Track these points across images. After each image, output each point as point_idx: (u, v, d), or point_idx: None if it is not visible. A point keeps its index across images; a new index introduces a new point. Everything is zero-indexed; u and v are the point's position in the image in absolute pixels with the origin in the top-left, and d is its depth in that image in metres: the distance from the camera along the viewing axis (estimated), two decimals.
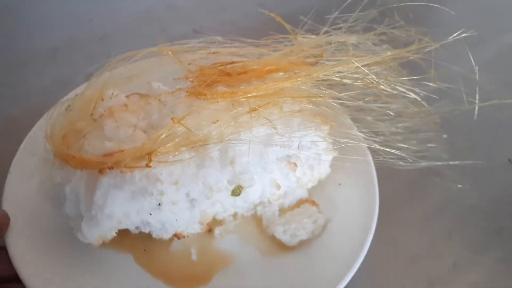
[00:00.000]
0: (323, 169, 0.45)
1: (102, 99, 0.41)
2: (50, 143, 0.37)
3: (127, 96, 0.42)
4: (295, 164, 0.41)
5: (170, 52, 0.42)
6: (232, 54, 0.45)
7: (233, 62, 0.43)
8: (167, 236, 0.41)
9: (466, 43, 0.45)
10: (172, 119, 0.35)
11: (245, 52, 0.46)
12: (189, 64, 0.42)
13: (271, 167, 0.40)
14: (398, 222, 0.48)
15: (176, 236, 0.42)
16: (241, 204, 0.42)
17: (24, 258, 0.39)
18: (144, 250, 0.42)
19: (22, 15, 0.73)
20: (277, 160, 0.40)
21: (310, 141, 0.41)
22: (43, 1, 0.75)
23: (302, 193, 0.46)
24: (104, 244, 0.40)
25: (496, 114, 0.58)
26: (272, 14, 0.48)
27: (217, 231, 0.44)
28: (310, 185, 0.45)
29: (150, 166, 0.34)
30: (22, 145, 0.46)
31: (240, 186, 0.39)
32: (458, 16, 0.50)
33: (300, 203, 0.46)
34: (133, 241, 0.42)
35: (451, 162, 0.49)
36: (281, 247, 0.43)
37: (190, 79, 0.41)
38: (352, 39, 0.48)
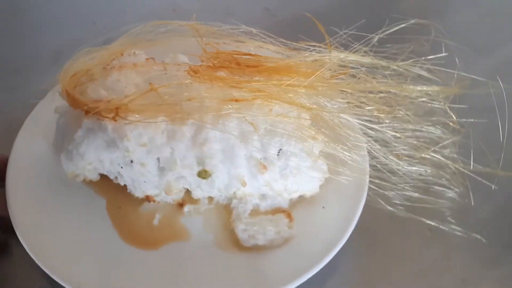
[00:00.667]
0: (309, 186, 0.43)
1: (122, 54, 0.44)
2: (60, 77, 0.41)
3: (147, 59, 0.45)
4: (265, 167, 0.40)
5: (197, 30, 0.44)
6: (257, 47, 0.45)
7: (249, 54, 0.43)
8: (138, 194, 0.44)
9: None
10: (150, 84, 0.37)
11: (274, 49, 0.46)
12: (206, 44, 0.43)
13: (239, 162, 0.40)
14: (406, 235, 0.47)
15: (148, 198, 0.44)
16: (208, 189, 0.43)
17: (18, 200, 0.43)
18: (119, 207, 0.45)
19: (24, 18, 0.75)
20: (246, 157, 0.40)
21: (291, 152, 0.40)
22: (46, 4, 0.77)
23: (282, 203, 0.44)
24: (87, 183, 0.45)
25: None
26: (316, 22, 0.47)
27: (186, 208, 0.45)
28: (286, 195, 0.43)
29: (115, 120, 0.37)
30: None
31: (205, 170, 0.40)
32: None
33: (276, 211, 0.44)
34: (111, 189, 0.45)
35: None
36: (236, 244, 0.42)
37: (203, 58, 0.43)
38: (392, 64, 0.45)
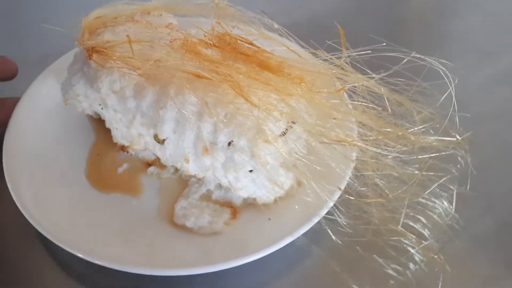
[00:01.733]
0: (259, 192, 0.41)
1: (148, 13, 0.47)
2: (84, 19, 0.45)
3: (170, 24, 0.47)
4: (207, 150, 0.39)
5: (219, 8, 0.45)
6: (271, 41, 0.44)
7: (251, 43, 0.42)
8: (115, 141, 0.46)
9: None
10: (127, 35, 0.38)
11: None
12: (216, 22, 0.43)
13: (188, 137, 0.39)
14: None
15: (123, 148, 0.47)
16: (161, 155, 0.43)
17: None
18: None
19: (10, 22, 0.72)
20: (196, 135, 0.39)
21: (240, 148, 0.38)
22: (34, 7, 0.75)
23: (235, 199, 0.43)
24: (88, 118, 0.50)
25: None
26: (341, 30, 0.44)
27: (151, 169, 0.46)
28: (233, 191, 0.42)
29: (89, 58, 0.40)
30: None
31: (157, 135, 0.41)
32: None
33: (225, 204, 0.43)
34: (103, 130, 0.48)
35: None
36: (171, 217, 0.42)
37: (207, 35, 0.43)
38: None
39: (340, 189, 0.40)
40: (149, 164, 0.47)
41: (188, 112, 0.39)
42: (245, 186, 0.40)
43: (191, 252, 0.39)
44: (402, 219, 0.37)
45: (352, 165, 0.41)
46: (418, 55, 0.39)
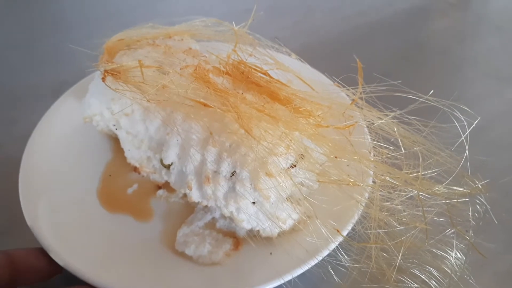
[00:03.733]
0: (263, 225, 0.40)
1: (170, 37, 0.48)
2: (107, 42, 0.47)
3: (189, 49, 0.47)
4: (208, 179, 0.38)
5: (238, 35, 0.44)
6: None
7: (265, 72, 0.42)
8: (127, 161, 0.47)
9: None
10: (139, 61, 0.39)
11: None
12: (233, 50, 0.43)
13: (191, 164, 0.39)
14: None
15: (135, 169, 0.47)
16: (168, 179, 0.43)
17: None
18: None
19: (27, 49, 0.72)
20: (199, 163, 0.39)
21: (243, 179, 0.37)
22: (51, 34, 0.75)
23: (238, 230, 0.42)
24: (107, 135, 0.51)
25: None
26: (359, 64, 0.43)
27: (160, 192, 0.46)
28: (240, 224, 0.40)
29: (103, 80, 0.40)
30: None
31: (162, 160, 0.41)
32: None
33: (228, 234, 0.42)
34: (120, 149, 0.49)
35: None
36: (173, 244, 0.42)
37: (221, 63, 0.43)
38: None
39: (340, 233, 0.38)
40: (159, 187, 0.47)
41: (193, 139, 0.38)
42: (247, 218, 0.40)
43: (190, 282, 0.39)
44: (396, 266, 0.34)
45: (361, 208, 0.39)
46: (433, 98, 0.37)
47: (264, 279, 0.37)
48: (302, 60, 0.44)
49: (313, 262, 0.37)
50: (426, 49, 0.71)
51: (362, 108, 0.39)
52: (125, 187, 0.47)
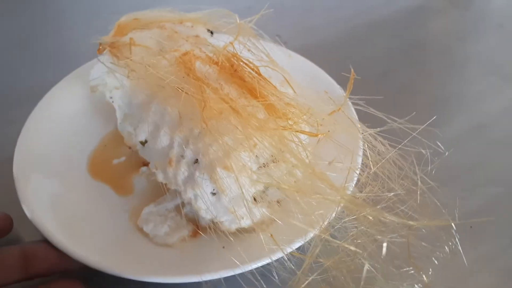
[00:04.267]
0: (223, 218, 0.40)
1: (181, 22, 0.49)
2: (122, 18, 0.49)
3: (196, 36, 0.48)
4: (170, 162, 0.39)
5: (240, 28, 0.45)
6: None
7: (256, 70, 0.41)
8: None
9: None
10: (130, 38, 0.40)
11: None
12: (230, 42, 0.43)
13: (159, 144, 0.40)
14: None
15: (127, 143, 0.49)
16: (145, 155, 0.44)
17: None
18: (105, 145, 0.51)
19: (27, 48, 0.71)
20: (167, 145, 0.39)
21: (203, 167, 0.38)
22: (48, 34, 0.74)
23: (202, 220, 0.42)
24: None
25: None
26: (352, 75, 0.41)
27: (143, 168, 0.48)
28: (199, 212, 0.40)
29: (98, 52, 0.42)
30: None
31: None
32: None
33: (192, 221, 0.43)
34: None
35: None
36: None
37: (216, 53, 0.43)
38: None
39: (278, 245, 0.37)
40: (144, 164, 0.48)
41: (165, 121, 0.39)
42: (205, 208, 0.40)
43: (139, 257, 0.40)
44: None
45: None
46: (410, 125, 0.35)
47: (201, 269, 0.37)
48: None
49: (249, 267, 0.37)
50: (426, 48, 0.71)
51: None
52: (112, 157, 0.49)
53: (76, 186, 0.46)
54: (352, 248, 0.34)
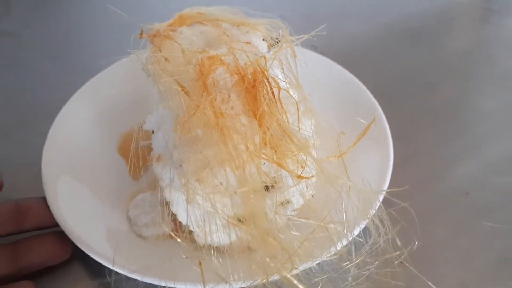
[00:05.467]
0: (195, 229, 0.39)
1: (238, 26, 0.48)
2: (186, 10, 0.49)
3: (247, 42, 0.47)
4: (159, 157, 0.39)
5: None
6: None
7: (273, 92, 0.39)
8: None
9: None
10: (164, 29, 0.41)
11: None
12: (260, 56, 0.41)
13: (159, 137, 0.41)
14: None
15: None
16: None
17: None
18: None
19: (26, 71, 0.67)
20: (164, 139, 0.40)
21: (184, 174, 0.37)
22: (50, 55, 0.69)
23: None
24: None
25: None
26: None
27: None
28: (177, 215, 0.40)
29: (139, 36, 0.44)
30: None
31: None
32: None
33: (175, 220, 0.43)
34: None
35: None
36: None
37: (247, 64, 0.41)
38: None
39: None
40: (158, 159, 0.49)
41: (170, 117, 0.39)
42: (179, 213, 0.39)
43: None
44: None
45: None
46: None
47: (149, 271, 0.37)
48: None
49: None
50: (469, 58, 0.67)
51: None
52: (139, 138, 0.51)
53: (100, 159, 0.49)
54: None
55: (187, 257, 0.39)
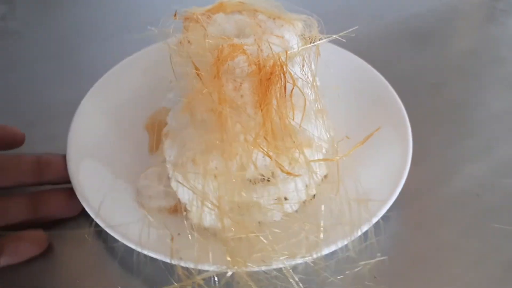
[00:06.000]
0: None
1: (274, 19, 0.48)
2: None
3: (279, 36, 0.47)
4: (167, 134, 0.40)
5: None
6: None
7: (285, 88, 0.39)
8: None
9: None
10: (193, 13, 0.42)
11: None
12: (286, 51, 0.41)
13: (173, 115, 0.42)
14: None
15: None
16: None
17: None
18: None
19: (30, 71, 0.65)
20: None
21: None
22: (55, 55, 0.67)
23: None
24: None
25: None
26: None
27: None
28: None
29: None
30: None
31: None
32: None
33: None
34: None
35: None
36: None
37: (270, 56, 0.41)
38: None
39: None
40: None
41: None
42: (178, 190, 0.41)
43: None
44: None
45: None
46: None
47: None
48: None
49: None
50: (477, 58, 0.66)
51: None
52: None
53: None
54: None
55: (179, 234, 0.40)
